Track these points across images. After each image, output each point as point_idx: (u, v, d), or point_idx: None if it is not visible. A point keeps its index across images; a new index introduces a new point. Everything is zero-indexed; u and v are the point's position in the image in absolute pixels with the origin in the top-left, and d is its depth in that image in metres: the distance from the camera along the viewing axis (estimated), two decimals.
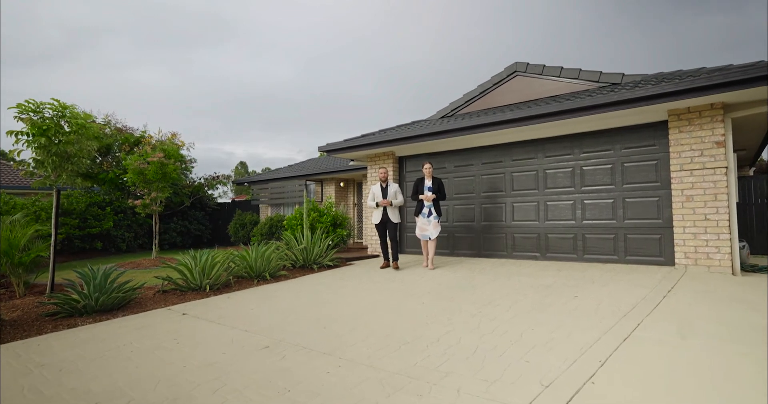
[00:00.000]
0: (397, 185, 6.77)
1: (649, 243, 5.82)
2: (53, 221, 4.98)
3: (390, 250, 6.68)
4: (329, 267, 7.10)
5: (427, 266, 6.36)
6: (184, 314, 4.36)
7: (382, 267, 6.61)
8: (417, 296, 4.69)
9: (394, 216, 6.64)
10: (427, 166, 6.45)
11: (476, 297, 4.46)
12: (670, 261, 5.61)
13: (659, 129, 5.79)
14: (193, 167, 17.28)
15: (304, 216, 7.73)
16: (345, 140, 8.67)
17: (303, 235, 7.32)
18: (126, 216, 12.66)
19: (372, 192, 6.80)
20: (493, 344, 3.05)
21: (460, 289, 4.90)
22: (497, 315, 3.76)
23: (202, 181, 15.52)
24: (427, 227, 6.32)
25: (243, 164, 59.77)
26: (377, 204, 6.65)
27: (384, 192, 6.64)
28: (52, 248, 4.96)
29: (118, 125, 13.66)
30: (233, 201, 18.88)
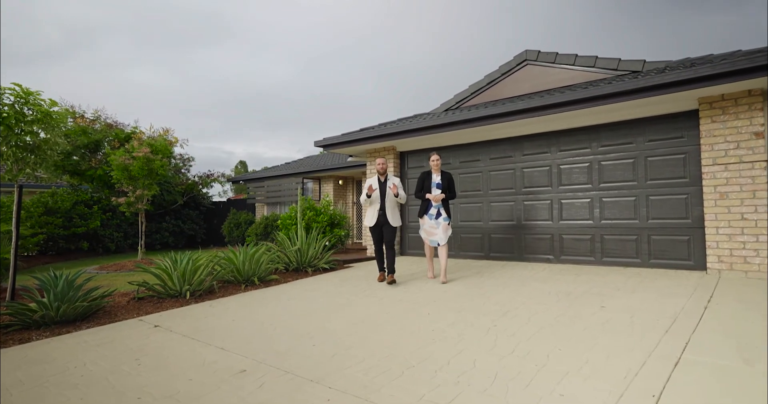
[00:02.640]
0: (398, 179, 5.52)
1: (676, 245, 5.28)
2: (14, 220, 4.45)
3: (385, 260, 5.42)
4: (325, 270, 6.57)
5: (433, 277, 5.36)
6: (156, 326, 3.83)
7: (379, 280, 5.40)
8: (421, 305, 4.16)
9: (394, 218, 5.33)
10: (434, 157, 5.28)
11: (489, 308, 3.92)
12: (700, 266, 5.07)
13: (687, 119, 5.25)
14: (191, 165, 16.77)
15: (298, 215, 7.20)
16: (343, 134, 8.14)
17: (297, 236, 6.79)
18: (115, 215, 12.12)
19: (368, 186, 5.42)
20: (515, 369, 2.52)
21: (470, 297, 4.36)
22: (516, 330, 3.23)
23: (197, 179, 14.99)
24: (435, 230, 5.19)
25: (243, 163, 59.14)
26: (368, 195, 5.28)
27: (382, 187, 5.39)
28: (12, 250, 4.43)
29: (108, 120, 13.12)
30: (228, 200, 18.35)
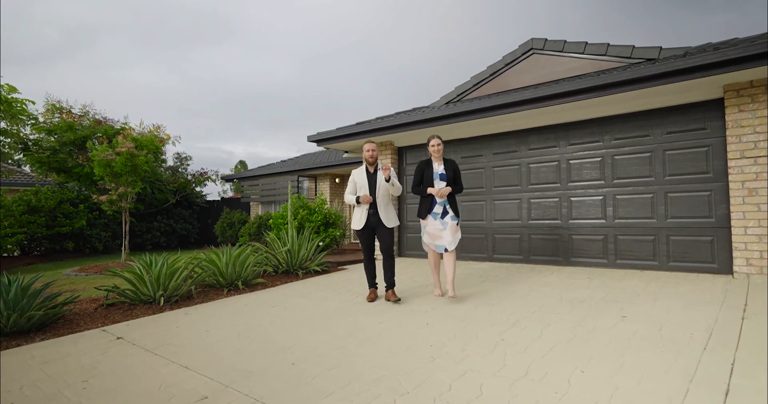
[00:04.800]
0: (389, 165, 4.48)
1: (698, 246, 4.84)
2: None
3: (382, 271, 4.37)
4: (317, 272, 6.13)
5: (441, 294, 4.21)
6: (118, 338, 3.39)
7: (369, 300, 4.29)
8: (419, 313, 3.72)
9: (389, 218, 4.27)
10: (434, 142, 4.17)
11: (495, 317, 3.49)
12: (726, 269, 4.63)
13: (710, 109, 4.81)
14: (188, 164, 16.30)
15: (289, 213, 6.76)
16: (338, 128, 7.70)
17: (288, 236, 6.34)
18: (103, 215, 11.68)
19: (352, 180, 4.35)
20: (530, 398, 2.08)
21: (473, 304, 3.92)
22: (527, 345, 2.79)
23: (190, 177, 14.54)
24: (442, 233, 4.09)
25: (243, 163, 58.69)
26: (358, 201, 4.25)
27: (371, 180, 4.27)
28: None
29: (97, 117, 12.66)
30: (223, 199, 17.92)
